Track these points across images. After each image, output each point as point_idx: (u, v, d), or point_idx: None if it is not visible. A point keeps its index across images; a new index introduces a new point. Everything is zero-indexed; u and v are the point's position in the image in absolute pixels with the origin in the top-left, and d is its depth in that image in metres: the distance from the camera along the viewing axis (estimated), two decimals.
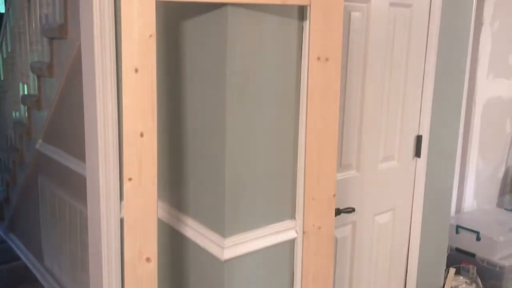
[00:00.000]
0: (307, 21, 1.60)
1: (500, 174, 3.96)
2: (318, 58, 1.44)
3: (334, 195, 1.50)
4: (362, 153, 1.93)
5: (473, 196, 3.71)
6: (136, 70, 1.40)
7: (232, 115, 1.49)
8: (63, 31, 2.37)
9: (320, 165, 1.48)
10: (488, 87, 3.56)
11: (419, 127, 2.14)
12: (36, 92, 2.87)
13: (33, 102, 2.86)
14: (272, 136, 1.61)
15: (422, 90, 2.10)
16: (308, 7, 1.45)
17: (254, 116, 1.55)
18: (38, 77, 2.80)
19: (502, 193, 4.01)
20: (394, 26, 1.92)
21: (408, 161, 2.14)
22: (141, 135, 1.43)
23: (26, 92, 3.18)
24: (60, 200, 2.78)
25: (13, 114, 3.56)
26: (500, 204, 3.99)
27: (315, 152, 1.48)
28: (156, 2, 1.39)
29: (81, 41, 1.84)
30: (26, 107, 3.12)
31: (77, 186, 2.52)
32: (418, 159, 2.16)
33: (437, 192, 2.31)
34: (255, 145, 1.57)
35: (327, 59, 1.44)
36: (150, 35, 1.39)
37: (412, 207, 2.21)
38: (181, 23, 1.63)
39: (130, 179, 1.44)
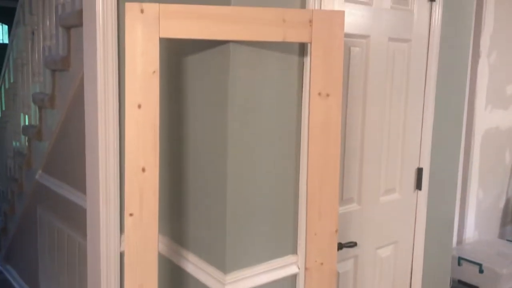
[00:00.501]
0: (308, 57, 1.62)
1: (501, 204, 3.95)
2: (319, 94, 1.46)
3: (336, 231, 1.49)
4: (363, 186, 1.93)
5: (474, 226, 3.69)
6: (139, 106, 1.41)
7: (234, 149, 1.50)
8: (66, 63, 2.39)
9: (322, 200, 1.48)
10: (487, 118, 3.58)
11: (419, 159, 2.14)
12: (37, 123, 2.88)
13: (34, 132, 2.87)
14: (274, 170, 1.61)
15: (422, 122, 2.12)
16: (309, 44, 1.47)
17: (256, 151, 1.55)
18: (40, 108, 2.82)
19: (503, 223, 3.99)
20: (393, 60, 1.95)
21: (409, 193, 2.14)
22: (143, 170, 1.43)
23: (27, 123, 3.20)
24: (59, 231, 2.76)
25: (14, 144, 3.57)
26: (501, 235, 3.97)
27: (317, 188, 1.47)
28: (159, 39, 1.41)
29: (84, 74, 1.85)
30: (26, 138, 3.13)
31: (76, 217, 2.51)
32: (419, 191, 2.16)
33: (438, 224, 2.30)
34: (256, 179, 1.57)
35: (328, 95, 1.46)
36: (154, 72, 1.41)
37: (414, 239, 2.19)
38: (183, 58, 1.65)
39: (131, 215, 1.43)
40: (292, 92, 1.62)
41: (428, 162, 2.15)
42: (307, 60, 1.62)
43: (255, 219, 1.58)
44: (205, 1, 1.54)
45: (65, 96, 2.49)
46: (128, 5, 1.39)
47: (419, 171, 2.15)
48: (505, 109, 3.74)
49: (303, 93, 1.64)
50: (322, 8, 1.64)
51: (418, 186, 2.15)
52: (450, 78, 2.21)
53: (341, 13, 1.44)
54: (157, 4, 1.39)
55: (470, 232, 3.70)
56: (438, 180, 2.24)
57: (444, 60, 2.15)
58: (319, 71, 1.45)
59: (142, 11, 1.39)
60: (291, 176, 1.66)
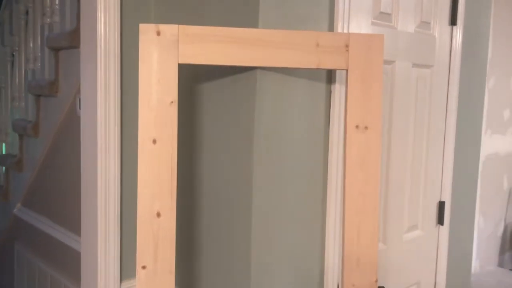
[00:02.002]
0: (335, 85, 1.47)
1: (499, 232, 3.86)
2: (357, 127, 1.30)
3: (376, 281, 1.32)
4: (388, 224, 1.77)
5: (475, 256, 3.58)
6: (154, 141, 1.22)
7: (259, 186, 1.32)
8: (53, 89, 2.18)
9: (361, 246, 1.31)
10: (487, 144, 3.51)
11: (441, 192, 2.01)
12: (17, 152, 2.63)
13: (14, 163, 2.62)
14: (300, 208, 1.43)
15: (443, 153, 1.98)
16: (345, 72, 1.32)
17: (282, 187, 1.38)
18: (21, 136, 2.58)
19: (502, 251, 3.89)
20: (416, 88, 1.82)
21: (431, 229, 1.99)
22: (158, 215, 1.23)
23: (4, 152, 2.94)
24: (40, 272, 2.49)
25: None
26: (501, 263, 3.87)
27: (355, 232, 1.31)
28: (178, 65, 1.23)
29: (81, 103, 1.65)
30: (4, 168, 2.87)
31: (61, 257, 2.26)
32: (441, 226, 2.02)
33: (458, 261, 2.15)
34: (282, 218, 1.39)
35: (366, 128, 1.30)
36: (172, 102, 1.23)
37: (435, 279, 2.04)
38: (200, 85, 1.48)
39: (143, 267, 1.23)
40: (319, 123, 1.46)
41: (449, 195, 2.01)
42: (335, 87, 1.47)
43: (280, 267, 1.39)
44: (229, 24, 1.38)
45: (51, 124, 2.27)
46: (142, 27, 1.21)
47: (441, 205, 2.01)
48: (503, 134, 3.68)
49: (330, 124, 1.48)
50: (350, 31, 1.49)
51: (440, 221, 2.01)
52: (469, 106, 2.09)
53: (381, 37, 1.30)
54: (175, 26, 1.22)
55: (472, 263, 3.59)
56: (458, 214, 2.11)
57: (463, 87, 2.03)
58: (356, 102, 1.29)
59: (158, 33, 1.22)
60: (318, 218, 1.49)
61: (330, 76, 1.47)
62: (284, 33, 1.26)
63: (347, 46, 1.29)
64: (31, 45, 2.49)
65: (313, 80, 1.42)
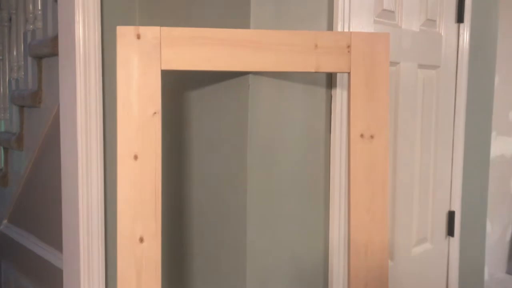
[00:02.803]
0: (336, 89, 1.34)
1: (508, 237, 3.72)
2: (362, 136, 1.17)
3: None
4: (395, 238, 1.64)
5: (485, 263, 3.44)
6: (136, 157, 1.09)
7: (254, 201, 1.19)
8: (36, 99, 2.05)
9: (369, 268, 1.18)
10: (492, 146, 3.38)
11: (450, 201, 1.88)
12: (2, 166, 2.50)
13: None
14: (297, 230, 1.30)
15: (452, 159, 1.86)
16: (347, 75, 1.19)
17: (280, 201, 1.25)
18: (5, 149, 2.45)
19: (510, 257, 3.76)
20: (422, 91, 1.69)
21: (441, 241, 1.86)
22: (141, 240, 1.10)
23: None
24: None
25: None
26: (509, 270, 3.73)
27: (362, 252, 1.17)
28: (161, 71, 1.10)
29: (60, 114, 1.52)
30: None
31: (47, 276, 2.13)
32: (451, 238, 1.89)
33: (470, 274, 2.02)
34: (281, 236, 1.26)
35: (372, 137, 1.17)
36: (154, 113, 1.10)
37: None
38: (187, 93, 1.35)
39: None
40: (319, 131, 1.33)
41: (459, 204, 1.88)
42: (336, 92, 1.34)
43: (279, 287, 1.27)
44: (217, 24, 1.25)
45: (35, 136, 2.14)
46: (120, 29, 1.09)
47: (451, 215, 1.88)
48: (508, 135, 3.55)
49: (332, 132, 1.36)
50: (351, 30, 1.37)
51: (450, 232, 1.88)
52: (477, 109, 1.97)
53: (386, 36, 1.18)
54: (157, 28, 1.09)
55: None
56: (468, 224, 1.98)
57: (471, 88, 1.91)
58: (360, 108, 1.17)
59: (138, 36, 1.09)
60: (320, 233, 1.36)
61: (330, 80, 1.35)
62: (279, 33, 1.13)
63: (349, 46, 1.16)
64: (15, 53, 2.36)
65: (312, 84, 1.30)
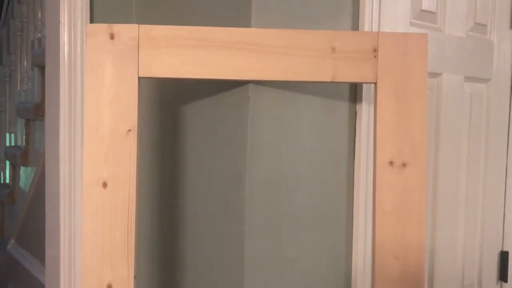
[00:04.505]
0: (362, 104, 1.10)
1: None
2: (391, 163, 0.92)
3: None
4: (436, 287, 1.36)
5: None
6: (105, 185, 0.88)
7: (252, 232, 0.96)
8: (39, 112, 1.90)
9: None
10: None
11: (503, 240, 1.58)
12: (9, 182, 2.37)
13: (6, 194, 2.35)
14: (310, 276, 1.06)
15: (506, 189, 1.56)
16: (373, 86, 0.95)
17: (283, 239, 1.01)
18: (13, 165, 2.31)
19: None
20: (469, 107, 1.42)
21: (491, 287, 1.56)
22: None
23: (1, 181, 2.69)
24: None
25: None
26: None
27: None
28: (138, 79, 0.89)
29: (45, 129, 1.35)
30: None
31: None
32: (503, 284, 1.58)
33: None
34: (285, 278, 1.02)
35: (404, 165, 0.92)
36: (129, 130, 0.89)
37: None
38: (176, 106, 1.14)
39: None
40: (339, 156, 1.09)
41: None
42: (361, 108, 1.10)
43: None
44: (210, 22, 1.04)
45: (39, 151, 1.99)
46: (91, 28, 0.89)
47: (503, 256, 1.57)
48: None
49: (356, 158, 1.11)
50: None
51: (503, 276, 1.58)
52: None
53: (424, 38, 0.93)
54: (135, 26, 0.89)
55: None
56: None
57: None
58: (389, 128, 0.92)
59: (112, 36, 0.89)
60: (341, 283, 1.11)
61: (354, 91, 1.11)
62: (286, 33, 0.90)
63: (375, 50, 0.92)
64: (25, 63, 2.24)
65: (330, 97, 1.06)
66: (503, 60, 1.51)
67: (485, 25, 1.44)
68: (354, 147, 1.11)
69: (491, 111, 1.49)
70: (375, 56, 0.92)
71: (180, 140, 1.13)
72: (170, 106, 1.16)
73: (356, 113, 1.11)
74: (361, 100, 1.10)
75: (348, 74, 0.92)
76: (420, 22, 1.25)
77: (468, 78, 1.40)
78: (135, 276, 0.90)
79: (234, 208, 0.98)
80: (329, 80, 0.91)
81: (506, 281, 1.58)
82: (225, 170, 1.00)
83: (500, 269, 1.58)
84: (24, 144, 2.13)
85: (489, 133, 1.49)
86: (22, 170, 2.23)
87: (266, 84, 0.96)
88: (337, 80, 0.91)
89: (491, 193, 1.51)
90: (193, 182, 1.09)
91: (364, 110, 1.10)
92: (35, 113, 1.91)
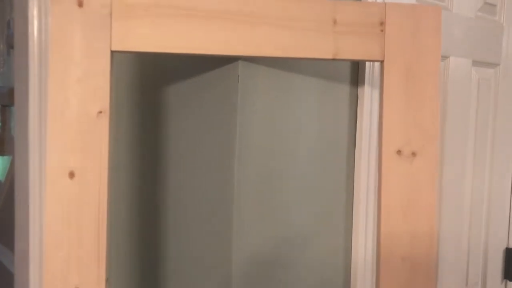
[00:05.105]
0: (364, 87, 0.99)
1: None
2: (399, 152, 0.81)
3: None
4: (439, 285, 1.26)
5: None
6: (72, 175, 0.77)
7: (241, 230, 0.85)
8: (13, 97, 1.77)
9: None
10: None
11: (508, 235, 1.49)
12: None
13: None
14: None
15: None
16: (380, 65, 0.84)
17: (274, 233, 0.91)
18: None
19: None
20: (477, 94, 1.32)
21: (496, 286, 1.47)
22: None
23: None
24: None
25: None
26: None
27: None
28: (111, 53, 0.78)
29: (16, 117, 1.22)
30: None
31: None
32: (508, 282, 1.49)
33: None
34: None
35: (413, 154, 0.81)
36: (100, 112, 0.77)
37: None
38: (158, 86, 1.02)
39: None
40: (338, 143, 0.98)
41: None
42: (363, 91, 0.99)
43: None
44: None
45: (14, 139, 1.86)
46: None
47: (509, 253, 1.48)
48: None
49: (356, 144, 1.01)
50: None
51: (508, 274, 1.49)
52: None
53: (437, 11, 0.82)
54: None
55: None
56: None
57: None
58: (398, 113, 0.81)
59: (80, 3, 0.77)
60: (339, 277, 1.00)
61: (355, 72, 1.00)
62: (282, 2, 0.79)
63: (382, 23, 0.81)
64: (0, 46, 2.10)
65: (328, 79, 0.95)
66: (511, 44, 1.40)
67: (494, 5, 1.34)
68: (355, 135, 1.01)
69: (499, 97, 1.39)
70: (381, 31, 0.81)
71: (161, 126, 1.01)
72: (149, 86, 1.04)
73: (357, 96, 1.00)
74: (363, 82, 0.99)
75: (351, 50, 0.80)
76: None
77: (476, 62, 1.30)
78: (107, 279, 0.79)
79: (222, 205, 0.87)
80: (330, 57, 0.80)
81: (511, 279, 1.49)
82: (211, 161, 0.89)
83: (505, 267, 1.49)
84: (0, 131, 2.00)
85: (496, 124, 1.39)
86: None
87: (258, 61, 0.85)
88: (338, 57, 0.80)
89: (497, 187, 1.42)
90: (175, 173, 0.97)
91: (367, 93, 0.99)
92: (10, 98, 1.78)
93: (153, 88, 0.99)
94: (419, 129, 0.81)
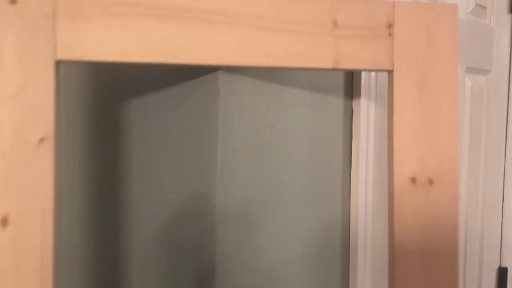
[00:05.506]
0: (360, 100, 0.85)
1: None
2: (413, 180, 0.68)
3: None
4: None
5: None
6: (4, 223, 0.59)
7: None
8: None
9: None
10: None
11: (501, 255, 1.39)
12: None
13: None
14: None
15: (503, 202, 1.37)
16: (388, 76, 0.70)
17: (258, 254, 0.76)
18: None
19: None
20: (470, 102, 1.22)
21: None
22: None
23: None
24: None
25: None
26: None
27: None
28: (55, 63, 0.61)
29: None
30: None
31: None
32: None
33: None
34: None
35: (430, 182, 0.68)
36: (42, 139, 0.60)
37: None
38: (122, 100, 0.85)
39: None
40: (331, 164, 0.84)
41: None
42: (359, 105, 0.86)
43: None
44: None
45: None
46: None
47: (502, 272, 1.39)
48: None
49: (352, 166, 0.87)
50: None
51: None
52: None
53: (454, 10, 0.69)
54: None
55: None
56: None
57: None
58: (410, 134, 0.68)
59: (14, 0, 0.60)
60: None
61: (349, 81, 0.86)
62: (269, 1, 0.64)
63: (390, 25, 0.67)
64: None
65: (318, 90, 0.81)
66: (502, 49, 1.31)
67: (484, 8, 1.24)
68: (351, 155, 0.87)
69: (491, 109, 1.29)
70: (390, 34, 0.67)
71: (125, 150, 0.84)
72: (109, 103, 0.86)
73: (352, 110, 0.87)
74: (358, 94, 0.86)
75: (354, 58, 0.67)
76: None
77: (469, 69, 1.19)
78: None
79: (201, 240, 0.71)
80: (329, 66, 0.66)
81: None
82: (188, 190, 0.73)
83: (498, 287, 1.39)
84: None
85: (488, 134, 1.29)
86: None
87: (242, 72, 0.70)
88: (340, 66, 0.66)
89: (490, 206, 1.32)
90: (145, 208, 0.80)
91: (363, 107, 0.86)
92: None
93: (115, 102, 0.82)
94: (436, 151, 0.68)
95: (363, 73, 0.85)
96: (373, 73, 0.85)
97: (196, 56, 0.63)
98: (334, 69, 0.66)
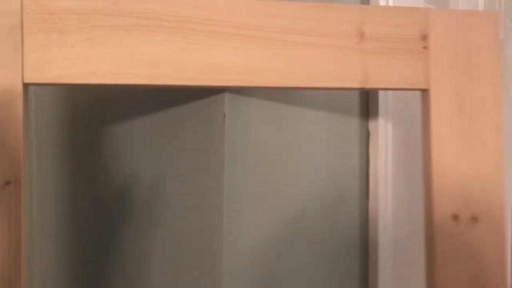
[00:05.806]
0: (377, 120, 0.75)
1: None
2: (455, 217, 0.58)
3: None
4: None
5: None
6: None
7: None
8: None
9: None
10: None
11: None
12: None
13: None
14: None
15: None
16: (420, 95, 0.60)
17: None
18: None
19: None
20: None
21: None
22: None
23: None
24: None
25: None
26: None
27: None
28: (23, 87, 0.49)
29: None
30: None
31: None
32: None
33: None
34: None
35: (474, 219, 0.58)
36: (7, 182, 0.48)
37: None
38: (95, 133, 0.73)
39: None
40: (347, 192, 0.74)
41: None
42: (376, 125, 0.76)
43: None
44: None
45: None
46: None
47: None
48: None
49: (370, 194, 0.77)
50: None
51: None
52: None
53: (494, 18, 0.60)
54: None
55: None
56: None
57: None
58: (451, 165, 0.58)
59: None
60: None
61: (364, 99, 0.76)
62: (286, 8, 0.54)
63: (424, 37, 0.57)
64: None
65: (331, 110, 0.71)
66: (510, 59, 1.23)
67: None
68: (368, 181, 0.77)
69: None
70: (424, 48, 0.57)
71: (114, 185, 0.71)
72: (95, 125, 0.74)
73: (369, 132, 0.77)
74: (376, 114, 0.76)
75: (384, 76, 0.56)
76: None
77: None
78: None
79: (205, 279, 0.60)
80: (356, 86, 0.55)
81: None
82: (190, 233, 0.61)
83: None
84: None
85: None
86: None
87: (251, 93, 0.59)
88: (369, 86, 0.56)
89: None
90: (139, 255, 0.68)
91: (381, 128, 0.76)
92: None
93: (102, 127, 0.70)
94: (480, 184, 0.58)
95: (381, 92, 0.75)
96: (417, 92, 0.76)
97: (197, 76, 0.51)
98: (361, 89, 0.56)
